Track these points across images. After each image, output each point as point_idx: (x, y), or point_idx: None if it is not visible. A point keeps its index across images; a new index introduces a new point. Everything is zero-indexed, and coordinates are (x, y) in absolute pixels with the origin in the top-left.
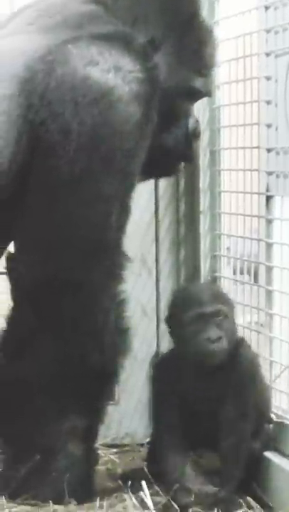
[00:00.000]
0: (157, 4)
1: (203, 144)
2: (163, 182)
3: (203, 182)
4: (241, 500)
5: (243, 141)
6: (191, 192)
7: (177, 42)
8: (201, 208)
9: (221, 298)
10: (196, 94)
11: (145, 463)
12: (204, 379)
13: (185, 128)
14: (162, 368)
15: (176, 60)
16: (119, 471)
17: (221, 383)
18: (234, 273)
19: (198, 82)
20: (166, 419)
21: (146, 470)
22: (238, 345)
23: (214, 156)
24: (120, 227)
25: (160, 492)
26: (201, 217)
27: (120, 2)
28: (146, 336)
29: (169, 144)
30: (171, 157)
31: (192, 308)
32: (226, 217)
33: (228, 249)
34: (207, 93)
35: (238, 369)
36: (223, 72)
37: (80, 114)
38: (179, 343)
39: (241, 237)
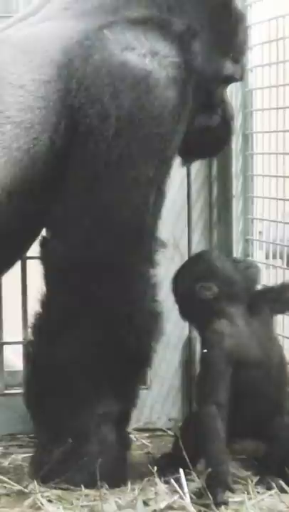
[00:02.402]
0: None
1: (235, 128)
2: (195, 166)
3: (236, 166)
4: (274, 484)
5: (276, 125)
6: (224, 176)
7: (211, 29)
8: (234, 192)
9: None
10: (229, 80)
11: (180, 442)
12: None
13: (222, 112)
14: (218, 337)
15: (210, 47)
16: (152, 455)
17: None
18: (267, 257)
19: (232, 68)
20: (217, 398)
21: (184, 453)
22: None
23: (247, 139)
24: (157, 212)
25: (194, 477)
26: (234, 201)
27: None
28: (178, 321)
29: (206, 128)
30: (210, 141)
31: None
32: (258, 201)
33: (261, 233)
34: (240, 78)
35: None
36: (255, 55)
37: (118, 99)
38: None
39: (274, 221)
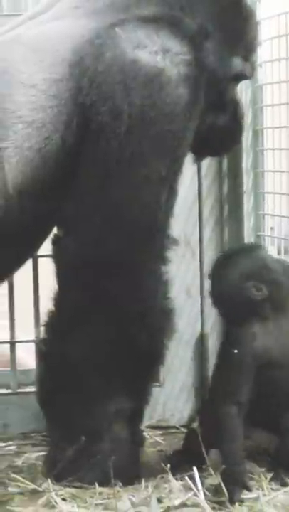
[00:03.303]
0: None
1: (246, 124)
2: (206, 162)
3: (246, 162)
4: (288, 480)
5: (286, 120)
6: (234, 172)
7: (222, 27)
8: (245, 188)
9: None
10: (240, 78)
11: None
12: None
13: (233, 110)
14: (251, 338)
15: (221, 45)
16: (164, 452)
17: None
18: (278, 253)
19: (242, 66)
20: (240, 398)
21: (203, 449)
22: None
23: (257, 135)
24: (168, 209)
25: (207, 474)
26: (245, 197)
27: None
28: (190, 318)
29: (218, 126)
30: (221, 139)
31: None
32: (269, 197)
33: (272, 229)
34: (251, 76)
35: None
36: (265, 51)
37: (130, 97)
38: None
39: (285, 216)
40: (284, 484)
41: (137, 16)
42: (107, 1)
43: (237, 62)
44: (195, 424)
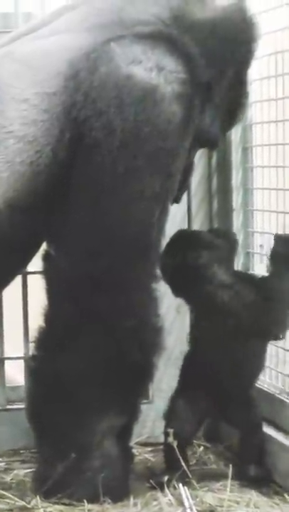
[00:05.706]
0: (218, 47)
1: (235, 141)
2: (195, 179)
3: (236, 179)
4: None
5: (276, 138)
6: (224, 189)
7: (222, 92)
8: (234, 206)
9: None
10: (208, 144)
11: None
12: None
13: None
14: None
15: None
16: (154, 469)
17: None
18: (267, 270)
19: (216, 134)
20: None
21: (182, 463)
22: None
23: (246, 153)
24: (161, 227)
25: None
26: (234, 214)
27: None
28: (180, 335)
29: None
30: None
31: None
32: (258, 214)
33: (261, 246)
34: (214, 148)
35: None
36: (255, 70)
37: (124, 113)
38: None
39: (274, 234)
40: (250, 479)
41: (134, 32)
42: (116, 17)
43: (216, 131)
44: (170, 439)
